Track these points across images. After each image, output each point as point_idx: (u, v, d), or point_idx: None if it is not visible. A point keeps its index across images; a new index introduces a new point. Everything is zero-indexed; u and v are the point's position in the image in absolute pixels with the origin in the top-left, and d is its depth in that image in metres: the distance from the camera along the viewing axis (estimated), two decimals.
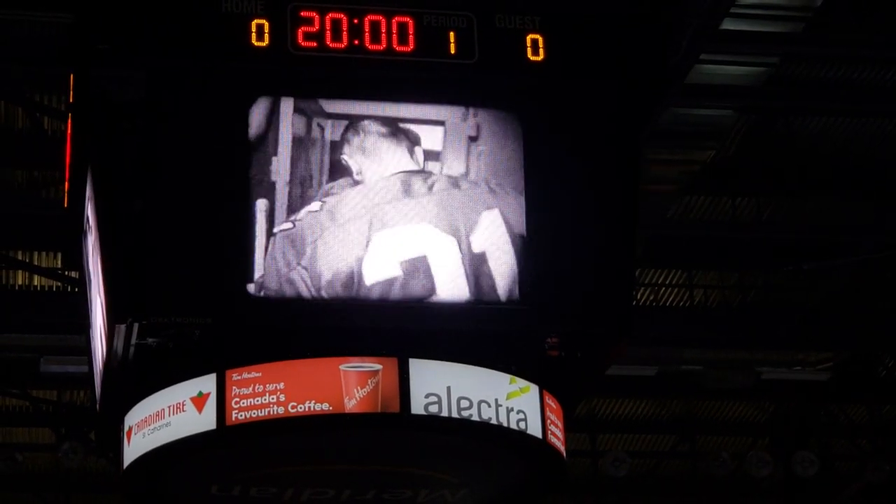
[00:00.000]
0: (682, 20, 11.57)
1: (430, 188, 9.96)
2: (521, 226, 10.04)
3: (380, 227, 9.86)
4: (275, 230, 9.73)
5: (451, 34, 10.00)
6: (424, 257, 9.95)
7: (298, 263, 9.70)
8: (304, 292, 9.71)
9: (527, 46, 10.10)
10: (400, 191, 9.90)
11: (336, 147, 9.91)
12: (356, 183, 9.89)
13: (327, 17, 9.88)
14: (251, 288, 9.66)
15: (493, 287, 9.97)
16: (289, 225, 9.77)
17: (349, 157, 9.92)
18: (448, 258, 9.93)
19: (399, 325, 9.87)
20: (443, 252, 9.93)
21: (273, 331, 9.93)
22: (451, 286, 9.92)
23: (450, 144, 10.05)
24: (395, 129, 10.01)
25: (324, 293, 9.72)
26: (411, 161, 9.99)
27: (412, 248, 9.91)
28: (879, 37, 12.61)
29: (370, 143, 9.98)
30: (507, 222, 10.04)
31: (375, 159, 9.96)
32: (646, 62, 10.38)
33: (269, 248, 9.71)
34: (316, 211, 9.81)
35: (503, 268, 10.00)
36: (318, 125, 9.89)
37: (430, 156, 10.04)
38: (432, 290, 9.89)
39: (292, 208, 9.77)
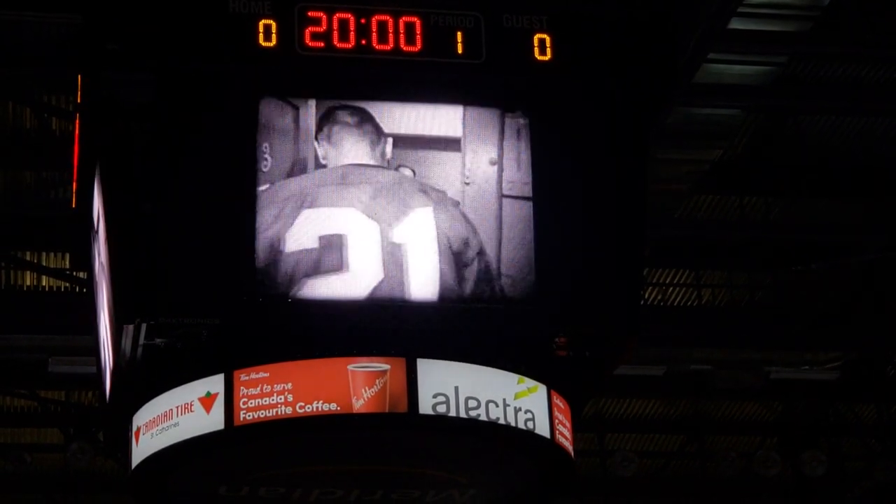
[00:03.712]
0: (691, 19, 11.56)
1: None
2: (530, 225, 10.04)
3: None
4: None
5: (459, 34, 9.99)
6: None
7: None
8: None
9: (534, 46, 10.09)
10: None
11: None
12: None
13: (335, 17, 9.87)
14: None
15: (502, 287, 9.96)
16: None
17: None
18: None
19: (409, 325, 9.86)
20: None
21: (279, 331, 9.93)
22: (462, 286, 9.92)
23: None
24: None
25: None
26: None
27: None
28: (887, 36, 12.59)
29: None
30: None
31: None
32: (654, 61, 10.37)
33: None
34: None
35: (516, 267, 9.99)
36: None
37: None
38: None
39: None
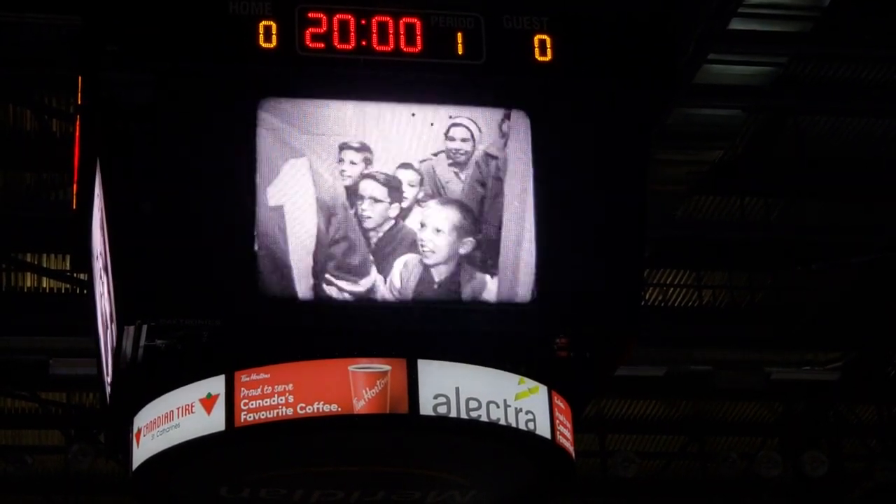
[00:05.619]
0: (690, 20, 11.56)
1: None
2: (532, 226, 10.04)
3: None
4: None
5: (459, 35, 9.99)
6: None
7: None
8: None
9: (534, 47, 10.09)
10: None
11: None
12: None
13: (335, 18, 9.87)
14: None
15: (508, 288, 9.97)
16: None
17: None
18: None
19: (411, 326, 9.86)
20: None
21: (282, 332, 9.93)
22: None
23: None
24: None
25: None
26: None
27: None
28: (887, 36, 12.60)
29: None
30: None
31: None
32: (654, 62, 10.37)
33: None
34: None
35: (519, 269, 10.00)
36: None
37: None
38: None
39: None
